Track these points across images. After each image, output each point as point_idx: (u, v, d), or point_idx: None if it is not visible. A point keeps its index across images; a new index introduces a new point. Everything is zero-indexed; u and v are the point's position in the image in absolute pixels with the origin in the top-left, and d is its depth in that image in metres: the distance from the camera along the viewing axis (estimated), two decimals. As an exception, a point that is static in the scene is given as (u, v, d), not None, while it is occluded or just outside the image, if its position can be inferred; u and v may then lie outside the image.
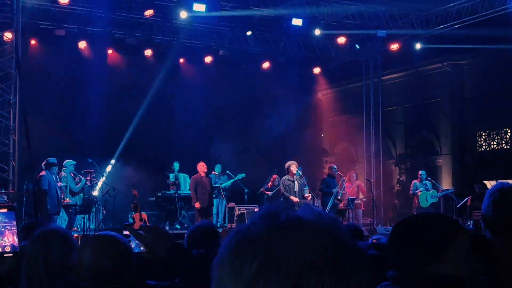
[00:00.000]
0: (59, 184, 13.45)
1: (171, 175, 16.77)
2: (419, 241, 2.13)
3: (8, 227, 2.15)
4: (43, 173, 12.91)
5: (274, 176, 16.69)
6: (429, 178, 16.61)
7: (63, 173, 13.95)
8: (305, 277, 0.90)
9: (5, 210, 2.17)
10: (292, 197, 14.20)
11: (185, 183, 16.59)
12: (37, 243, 3.03)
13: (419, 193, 16.33)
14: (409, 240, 2.15)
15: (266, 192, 16.62)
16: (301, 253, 0.92)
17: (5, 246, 2.13)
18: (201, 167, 14.68)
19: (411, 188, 16.68)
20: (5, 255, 2.09)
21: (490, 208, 2.80)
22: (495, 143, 23.38)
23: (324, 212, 1.02)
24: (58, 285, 2.75)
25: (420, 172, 16.68)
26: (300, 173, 14.72)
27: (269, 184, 16.87)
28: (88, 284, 2.35)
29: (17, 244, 2.12)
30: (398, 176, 23.52)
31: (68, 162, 14.06)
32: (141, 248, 2.34)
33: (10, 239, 2.13)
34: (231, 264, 0.94)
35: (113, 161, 17.72)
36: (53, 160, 13.20)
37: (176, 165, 16.99)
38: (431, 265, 2.09)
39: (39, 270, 2.93)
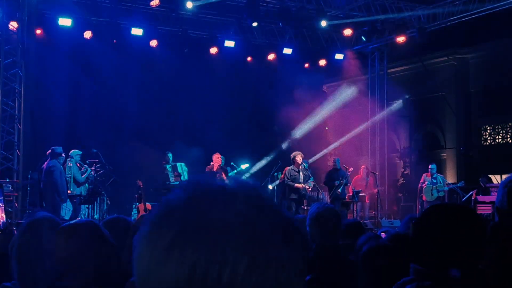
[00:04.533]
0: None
1: (167, 166, 16.66)
2: (449, 238, 2.05)
3: None
4: (53, 163, 12.80)
5: (287, 168, 16.40)
6: (435, 175, 16.39)
7: (69, 163, 13.93)
8: (221, 245, 0.87)
9: None
10: (297, 185, 14.28)
11: (184, 172, 16.53)
12: (26, 235, 2.88)
13: (425, 186, 16.24)
14: (437, 237, 2.07)
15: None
16: (217, 221, 0.89)
17: None
18: (216, 158, 14.63)
19: (420, 182, 16.57)
20: None
21: (505, 199, 2.70)
22: (500, 137, 23.33)
23: (248, 181, 0.98)
24: (51, 276, 2.64)
25: (430, 166, 16.50)
26: (306, 165, 14.75)
27: (282, 176, 16.58)
28: None
29: (5, 221, 2.03)
30: (403, 170, 23.47)
31: (74, 152, 14.03)
32: None
33: None
34: (148, 236, 0.92)
35: None
36: (59, 149, 13.14)
37: (170, 156, 16.89)
38: (465, 263, 2.01)
39: (31, 264, 2.78)
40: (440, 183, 16.22)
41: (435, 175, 16.30)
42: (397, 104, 21.35)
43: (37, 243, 2.82)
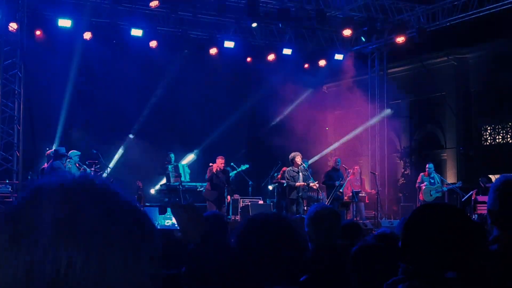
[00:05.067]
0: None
1: (169, 167, 16.65)
2: (439, 238, 2.04)
3: None
4: (57, 164, 12.75)
5: (284, 168, 16.42)
6: (433, 175, 16.37)
7: (68, 164, 13.92)
8: (54, 243, 0.85)
9: None
10: (297, 183, 14.27)
11: (185, 173, 16.52)
12: None
13: (423, 187, 16.20)
14: (427, 237, 2.06)
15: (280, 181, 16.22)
16: (52, 218, 0.87)
17: None
18: (220, 164, 14.58)
19: (417, 181, 16.55)
20: None
21: (496, 202, 2.68)
22: (500, 137, 23.32)
23: (90, 175, 0.96)
24: None
25: (427, 165, 16.47)
26: (306, 166, 14.73)
27: (279, 176, 16.62)
28: None
29: None
30: (403, 170, 23.47)
31: (73, 153, 14.03)
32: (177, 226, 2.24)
33: None
34: None
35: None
36: (63, 150, 13.14)
37: (172, 156, 16.88)
38: (457, 263, 2.01)
39: None
40: (438, 183, 16.20)
41: (432, 175, 16.27)
42: (397, 104, 21.35)
43: None
